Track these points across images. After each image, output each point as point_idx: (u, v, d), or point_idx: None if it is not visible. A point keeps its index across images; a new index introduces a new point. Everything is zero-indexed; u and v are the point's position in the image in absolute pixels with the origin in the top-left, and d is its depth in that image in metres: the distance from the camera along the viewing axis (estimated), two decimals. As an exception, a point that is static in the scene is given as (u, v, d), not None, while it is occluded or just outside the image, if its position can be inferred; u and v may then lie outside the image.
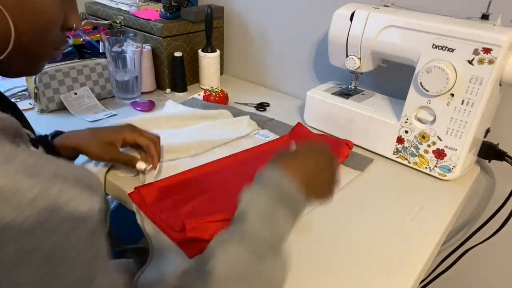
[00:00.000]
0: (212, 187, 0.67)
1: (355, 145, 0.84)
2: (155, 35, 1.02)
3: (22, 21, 0.38)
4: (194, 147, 0.78)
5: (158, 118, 0.87)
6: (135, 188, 0.63)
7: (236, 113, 0.93)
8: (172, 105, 0.96)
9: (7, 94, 0.94)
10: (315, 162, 0.47)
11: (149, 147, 0.65)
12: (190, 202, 0.62)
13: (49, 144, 0.62)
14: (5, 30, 0.37)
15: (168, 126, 0.85)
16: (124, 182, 0.67)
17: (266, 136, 0.86)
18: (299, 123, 0.89)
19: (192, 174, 0.69)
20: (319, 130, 0.89)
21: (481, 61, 0.63)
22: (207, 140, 0.80)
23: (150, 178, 0.67)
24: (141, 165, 0.63)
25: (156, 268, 0.59)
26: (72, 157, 0.65)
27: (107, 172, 0.68)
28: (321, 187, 0.48)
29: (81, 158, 0.66)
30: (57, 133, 0.65)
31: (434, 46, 0.67)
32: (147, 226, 0.60)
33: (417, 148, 0.75)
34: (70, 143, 0.62)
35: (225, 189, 0.66)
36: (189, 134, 0.81)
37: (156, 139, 0.67)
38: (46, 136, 0.64)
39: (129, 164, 0.63)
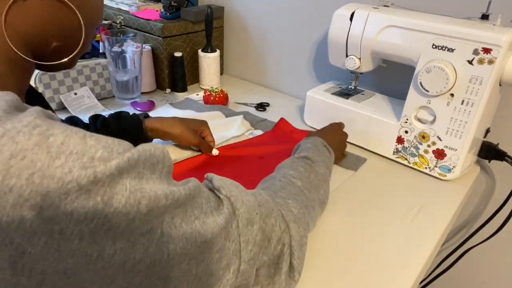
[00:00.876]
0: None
1: (355, 145, 0.84)
2: (155, 35, 1.02)
3: (87, 17, 0.40)
4: (190, 150, 0.78)
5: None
6: None
7: (229, 114, 0.94)
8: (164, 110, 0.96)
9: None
10: (334, 133, 0.75)
11: (211, 141, 0.79)
12: None
13: (135, 123, 0.71)
14: (77, 25, 0.39)
15: None
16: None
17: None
18: (282, 118, 0.90)
19: (181, 169, 0.71)
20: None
21: (481, 61, 0.63)
22: None
23: None
24: (215, 151, 0.76)
25: None
26: (151, 139, 0.75)
27: None
28: (339, 146, 0.74)
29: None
30: (146, 115, 0.75)
31: (434, 46, 0.67)
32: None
33: (417, 148, 0.75)
34: (164, 127, 0.73)
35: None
36: None
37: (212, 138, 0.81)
38: (136, 115, 0.73)
39: (208, 150, 0.76)
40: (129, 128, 0.71)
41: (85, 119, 0.88)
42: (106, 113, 0.92)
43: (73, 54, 0.42)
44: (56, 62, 0.41)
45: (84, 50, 0.44)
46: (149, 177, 0.30)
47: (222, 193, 0.38)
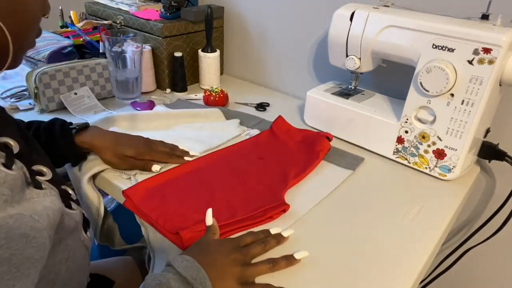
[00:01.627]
0: (197, 183, 0.67)
1: (355, 145, 0.84)
2: (155, 35, 1.02)
3: (15, 26, 0.38)
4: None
5: (150, 115, 0.86)
6: (122, 192, 0.63)
7: (225, 111, 0.93)
8: (160, 108, 0.96)
9: (7, 94, 0.94)
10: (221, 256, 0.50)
11: (166, 161, 0.70)
12: (177, 200, 0.63)
13: (65, 134, 0.63)
14: (3, 40, 0.37)
15: (157, 125, 0.84)
16: (123, 182, 0.67)
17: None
18: (279, 116, 0.90)
19: (177, 173, 0.70)
20: (319, 130, 0.90)
21: (481, 61, 0.63)
22: (199, 146, 0.79)
23: (139, 178, 0.67)
24: (156, 167, 0.67)
25: (159, 269, 0.59)
26: (85, 154, 0.67)
27: (102, 170, 0.69)
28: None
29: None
30: (83, 127, 0.67)
31: (434, 46, 0.67)
32: (147, 227, 0.61)
33: (417, 148, 0.75)
34: (93, 148, 0.65)
35: (210, 185, 0.67)
36: (177, 139, 0.78)
37: (169, 150, 0.71)
38: (70, 127, 0.65)
39: (147, 169, 0.67)
40: (58, 143, 0.63)
41: (85, 119, 0.89)
42: (105, 113, 0.92)
43: (4, 67, 0.40)
44: None
45: (10, 66, 0.41)
46: None
47: None
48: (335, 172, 0.74)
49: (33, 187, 0.39)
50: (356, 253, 0.56)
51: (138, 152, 0.66)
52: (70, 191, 0.48)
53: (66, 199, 0.44)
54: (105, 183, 0.69)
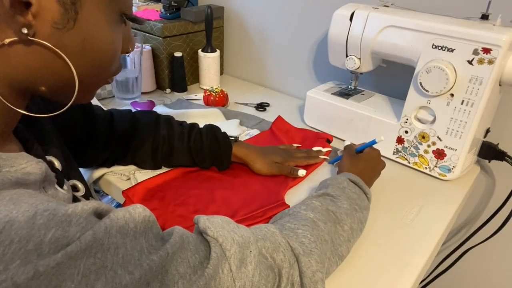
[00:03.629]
0: (197, 184, 0.67)
1: (354, 145, 0.84)
2: (155, 35, 1.02)
3: (85, 64, 0.36)
4: None
5: None
6: (123, 192, 0.63)
7: (225, 112, 0.93)
8: (160, 109, 0.96)
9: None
10: (369, 165, 0.67)
11: (307, 163, 0.75)
12: (176, 200, 0.62)
13: (227, 148, 0.70)
14: (69, 76, 0.35)
15: None
16: (123, 183, 0.67)
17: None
18: (279, 116, 0.90)
19: (176, 173, 0.70)
20: (318, 130, 0.90)
21: (481, 61, 0.63)
22: None
23: (138, 178, 0.67)
24: (302, 172, 0.71)
25: None
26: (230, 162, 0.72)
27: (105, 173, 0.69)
28: (372, 179, 0.67)
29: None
30: (236, 139, 0.73)
31: (434, 46, 0.67)
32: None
33: (417, 148, 0.75)
34: (246, 157, 0.71)
35: (209, 185, 0.67)
36: None
37: (306, 154, 0.76)
38: (228, 139, 0.71)
39: (293, 175, 0.71)
40: (219, 153, 0.69)
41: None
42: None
43: (63, 109, 0.37)
44: (43, 115, 0.37)
45: (79, 101, 0.39)
46: (115, 249, 0.28)
47: (209, 234, 0.36)
48: (335, 171, 0.74)
49: None
50: (356, 253, 0.56)
51: (284, 159, 0.73)
52: None
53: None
54: (105, 184, 0.69)
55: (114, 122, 0.67)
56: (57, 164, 0.40)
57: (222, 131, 0.72)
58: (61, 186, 0.36)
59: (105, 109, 0.67)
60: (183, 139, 0.68)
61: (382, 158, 0.69)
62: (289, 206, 0.62)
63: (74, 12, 0.32)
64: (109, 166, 0.69)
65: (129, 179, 0.67)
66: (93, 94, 0.42)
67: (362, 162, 0.66)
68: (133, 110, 0.72)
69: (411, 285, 0.52)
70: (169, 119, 0.70)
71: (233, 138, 0.72)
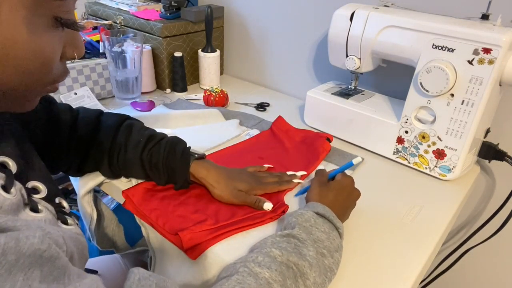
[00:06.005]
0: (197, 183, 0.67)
1: (355, 145, 0.84)
2: (155, 35, 1.02)
3: (6, 72, 0.32)
4: None
5: (148, 118, 0.86)
6: (123, 192, 0.63)
7: (225, 112, 0.93)
8: (160, 109, 0.96)
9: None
10: (341, 194, 0.59)
11: (277, 190, 0.66)
12: (176, 201, 0.62)
13: (184, 159, 0.62)
14: None
15: (158, 127, 0.84)
16: (123, 183, 0.67)
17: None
18: (279, 117, 0.90)
19: None
20: (318, 130, 0.90)
21: (481, 61, 0.63)
22: (200, 146, 0.79)
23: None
24: (268, 205, 0.61)
25: (160, 271, 0.59)
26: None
27: None
28: (346, 211, 0.59)
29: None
30: (200, 157, 0.64)
31: (434, 46, 0.67)
32: (147, 227, 0.61)
33: (417, 148, 0.75)
34: (204, 181, 0.63)
35: None
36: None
37: (277, 179, 0.68)
38: (195, 155, 0.63)
39: (258, 207, 0.61)
40: (172, 170, 0.62)
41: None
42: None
43: None
44: None
45: (15, 110, 0.36)
46: None
47: None
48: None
49: (29, 210, 0.37)
50: (356, 253, 0.56)
51: (251, 187, 0.63)
52: (64, 204, 0.45)
53: (61, 214, 0.42)
54: (105, 184, 0.69)
55: (77, 125, 0.61)
56: (11, 164, 0.38)
57: (188, 145, 0.64)
58: (7, 189, 0.34)
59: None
60: (137, 149, 0.61)
61: (382, 158, 0.68)
62: (288, 206, 0.62)
63: None
64: (75, 174, 0.65)
65: (129, 179, 0.67)
66: (32, 102, 0.39)
67: (333, 191, 0.58)
68: (105, 111, 0.66)
69: (411, 285, 0.52)
70: (131, 124, 0.63)
71: (196, 155, 0.63)
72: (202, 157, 0.64)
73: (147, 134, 0.63)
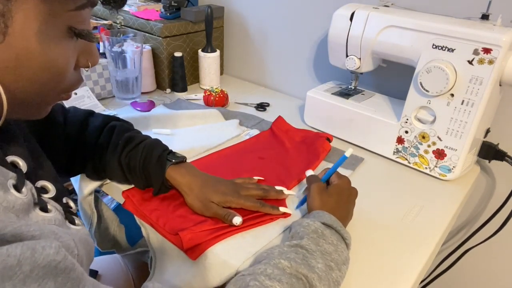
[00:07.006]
0: None
1: (355, 145, 0.84)
2: (155, 35, 1.02)
3: (22, 81, 0.33)
4: (186, 152, 0.77)
5: (148, 118, 0.86)
6: (123, 192, 0.63)
7: (225, 112, 0.93)
8: (160, 109, 0.96)
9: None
10: (342, 198, 0.59)
11: (257, 209, 0.60)
12: (176, 201, 0.62)
13: (160, 164, 0.60)
14: None
15: (158, 127, 0.84)
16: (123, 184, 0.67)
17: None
18: (279, 117, 0.90)
19: None
20: (318, 130, 0.90)
21: (481, 61, 0.63)
22: (200, 146, 0.79)
23: None
24: (236, 220, 0.57)
25: (160, 271, 0.59)
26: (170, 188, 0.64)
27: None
28: (349, 212, 0.59)
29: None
30: (179, 161, 0.62)
31: (434, 46, 0.67)
32: (147, 227, 0.61)
33: (417, 148, 0.75)
34: (178, 187, 0.61)
35: None
36: (178, 141, 0.80)
37: (262, 192, 0.63)
38: (172, 161, 0.61)
39: (227, 221, 0.57)
40: (149, 174, 0.61)
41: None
42: (105, 113, 0.92)
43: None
44: None
45: (28, 118, 0.37)
46: None
47: None
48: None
49: (39, 209, 0.37)
50: (356, 253, 0.56)
51: (225, 200, 0.59)
52: (71, 204, 0.45)
53: (68, 214, 0.42)
54: (105, 184, 0.69)
55: (66, 125, 0.61)
56: (21, 164, 0.38)
57: (168, 149, 0.62)
58: (19, 189, 0.34)
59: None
60: (115, 152, 0.60)
61: (382, 158, 0.68)
62: (290, 215, 0.61)
63: (3, 25, 0.30)
64: (64, 175, 0.64)
65: None
66: (45, 110, 0.40)
67: (334, 197, 0.57)
68: (96, 112, 0.65)
69: (411, 285, 0.52)
70: (114, 126, 0.62)
71: (173, 160, 0.61)
72: (181, 161, 0.62)
73: (126, 137, 0.61)
